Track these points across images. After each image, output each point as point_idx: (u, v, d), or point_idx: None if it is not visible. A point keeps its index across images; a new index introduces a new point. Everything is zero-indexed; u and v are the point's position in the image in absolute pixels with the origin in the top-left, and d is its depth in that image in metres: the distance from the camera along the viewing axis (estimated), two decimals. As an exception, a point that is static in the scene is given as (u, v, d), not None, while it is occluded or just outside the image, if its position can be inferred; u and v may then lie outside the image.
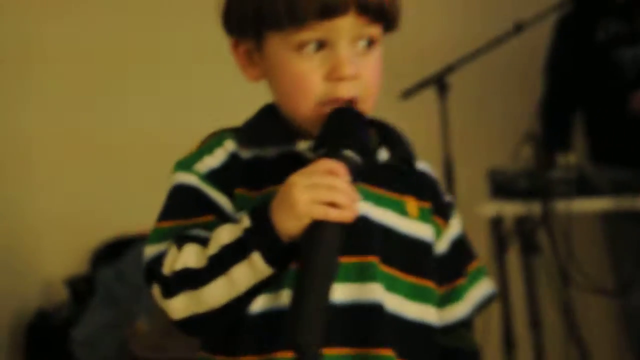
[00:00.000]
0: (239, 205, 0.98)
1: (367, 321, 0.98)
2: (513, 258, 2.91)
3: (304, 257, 0.89)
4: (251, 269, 0.89)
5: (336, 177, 0.89)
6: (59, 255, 3.22)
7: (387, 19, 0.97)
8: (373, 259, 0.98)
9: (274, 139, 1.00)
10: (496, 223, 2.79)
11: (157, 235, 0.98)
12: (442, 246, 1.07)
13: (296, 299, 0.88)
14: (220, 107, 3.15)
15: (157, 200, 1.10)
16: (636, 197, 2.54)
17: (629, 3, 2.81)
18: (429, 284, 1.03)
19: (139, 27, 3.22)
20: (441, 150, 2.77)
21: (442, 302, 1.06)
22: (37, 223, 3.23)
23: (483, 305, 1.11)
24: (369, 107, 0.99)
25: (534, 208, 2.61)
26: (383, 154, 1.03)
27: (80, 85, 3.36)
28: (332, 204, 0.88)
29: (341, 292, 0.96)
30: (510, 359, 2.76)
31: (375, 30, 0.96)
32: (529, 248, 2.78)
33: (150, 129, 3.36)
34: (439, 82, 2.73)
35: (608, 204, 2.65)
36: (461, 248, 1.10)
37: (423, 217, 1.05)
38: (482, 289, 1.11)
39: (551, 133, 2.91)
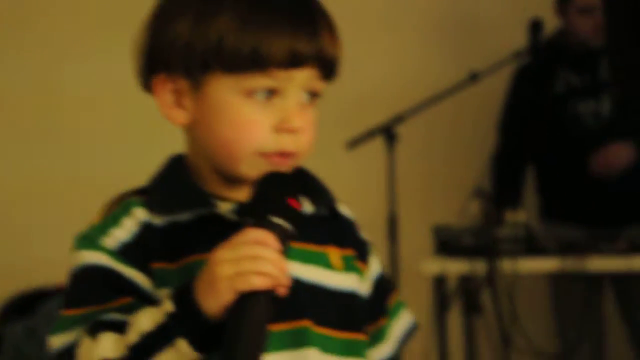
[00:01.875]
0: (158, 281, 0.95)
1: None
2: (455, 317, 2.93)
3: (230, 333, 0.87)
4: (178, 357, 0.87)
5: (264, 247, 0.87)
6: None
7: (333, 75, 1.00)
8: (306, 323, 0.98)
9: (190, 202, 0.98)
10: (439, 281, 2.81)
11: (64, 324, 0.93)
12: (364, 288, 1.08)
13: None
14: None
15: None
16: (584, 259, 2.56)
17: (590, 54, 2.86)
18: (362, 336, 1.06)
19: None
20: (387, 204, 2.79)
21: (370, 343, 1.09)
22: None
23: (405, 340, 1.16)
24: (299, 163, 1.01)
25: (479, 266, 2.62)
26: (307, 206, 1.02)
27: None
28: (259, 275, 0.87)
29: None
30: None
31: (322, 84, 0.99)
32: (472, 308, 2.79)
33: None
34: (387, 132, 2.76)
35: (555, 265, 2.67)
36: (382, 286, 1.12)
37: (348, 266, 1.06)
38: (402, 323, 1.15)
39: (502, 189, 2.94)
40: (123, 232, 0.97)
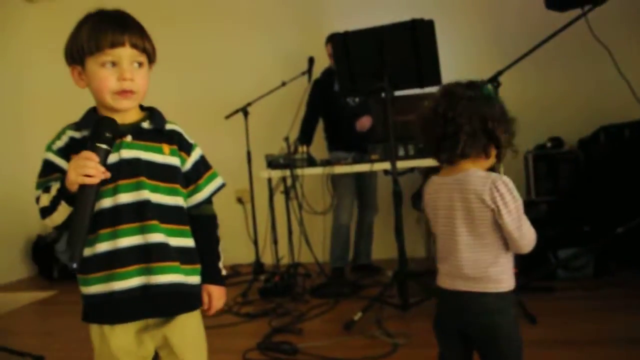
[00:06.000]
0: None
1: (142, 208, 1.41)
2: (279, 199, 4.63)
3: (76, 203, 1.32)
4: (63, 208, 1.35)
5: (89, 160, 1.30)
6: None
7: (147, 53, 1.42)
8: (142, 178, 1.40)
9: (91, 123, 1.38)
10: (269, 181, 4.29)
11: (37, 185, 1.42)
12: (187, 167, 1.49)
13: (72, 226, 1.30)
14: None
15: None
16: (333, 167, 4.03)
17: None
18: (178, 186, 1.48)
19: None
20: (246, 147, 4.53)
21: (189, 194, 1.51)
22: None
23: (216, 191, 1.55)
24: (141, 98, 1.43)
25: (287, 173, 4.00)
26: (146, 124, 1.43)
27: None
28: (87, 175, 1.29)
29: (126, 196, 1.39)
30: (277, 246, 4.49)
31: (143, 58, 1.40)
32: (287, 194, 4.33)
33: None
34: (244, 111, 4.51)
35: (320, 171, 4.06)
36: (199, 166, 1.51)
37: (172, 153, 1.46)
38: (215, 184, 1.54)
39: (302, 136, 4.57)
40: (61, 142, 1.41)
